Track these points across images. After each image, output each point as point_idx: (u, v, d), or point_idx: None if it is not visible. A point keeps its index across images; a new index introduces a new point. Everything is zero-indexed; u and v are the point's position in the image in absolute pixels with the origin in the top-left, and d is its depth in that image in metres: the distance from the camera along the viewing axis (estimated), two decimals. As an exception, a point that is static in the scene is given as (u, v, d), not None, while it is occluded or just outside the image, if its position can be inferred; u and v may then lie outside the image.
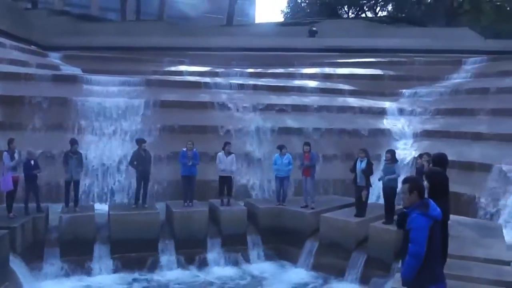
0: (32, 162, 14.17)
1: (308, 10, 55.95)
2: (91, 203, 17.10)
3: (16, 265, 12.43)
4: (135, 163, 15.48)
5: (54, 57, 28.52)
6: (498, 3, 48.44)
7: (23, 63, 23.91)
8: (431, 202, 6.07)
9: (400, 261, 6.04)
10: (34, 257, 13.47)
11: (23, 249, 13.07)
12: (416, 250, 5.81)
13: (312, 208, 15.77)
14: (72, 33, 33.62)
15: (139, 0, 45.52)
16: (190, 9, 54.24)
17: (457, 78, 27.15)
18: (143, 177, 15.50)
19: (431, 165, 9.87)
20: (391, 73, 28.55)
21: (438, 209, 6.06)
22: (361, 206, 14.67)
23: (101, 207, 16.50)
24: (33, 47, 29.06)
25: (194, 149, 15.82)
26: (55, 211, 14.95)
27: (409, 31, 37.74)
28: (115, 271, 14.08)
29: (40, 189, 14.80)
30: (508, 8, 48.70)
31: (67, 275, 13.60)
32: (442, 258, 6.85)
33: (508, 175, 17.08)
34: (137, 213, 14.98)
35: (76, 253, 13.84)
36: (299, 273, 14.56)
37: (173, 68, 28.05)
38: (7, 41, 26.02)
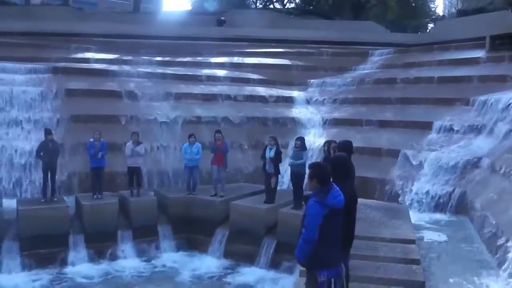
0: None
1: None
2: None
3: None
4: (41, 154, 14.95)
5: (-48, 43, 26.91)
6: (403, -1, 50.04)
7: None
8: (334, 189, 6.11)
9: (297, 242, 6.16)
10: None
11: None
12: (307, 236, 5.93)
13: (222, 196, 15.84)
14: (-27, 17, 31.90)
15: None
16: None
17: (364, 69, 27.85)
18: (49, 169, 14.98)
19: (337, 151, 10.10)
20: (299, 63, 28.96)
21: (340, 197, 6.11)
22: (270, 193, 14.88)
23: (9, 202, 15.69)
24: None
25: (102, 140, 15.47)
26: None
27: (316, 23, 38.35)
28: (24, 268, 13.62)
29: None
30: (413, 4, 50.41)
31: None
32: (347, 242, 7.00)
33: (413, 160, 17.82)
34: (45, 207, 14.52)
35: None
36: (210, 262, 14.65)
37: (80, 55, 27.12)
38: None
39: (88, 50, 28.40)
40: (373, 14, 47.59)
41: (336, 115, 22.43)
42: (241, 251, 14.39)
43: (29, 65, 21.85)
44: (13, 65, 21.70)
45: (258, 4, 57.86)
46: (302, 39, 32.79)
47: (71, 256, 14.24)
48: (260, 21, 36.40)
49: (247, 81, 25.67)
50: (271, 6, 57.17)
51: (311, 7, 51.55)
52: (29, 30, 30.07)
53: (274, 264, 13.65)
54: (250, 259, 14.10)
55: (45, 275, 13.51)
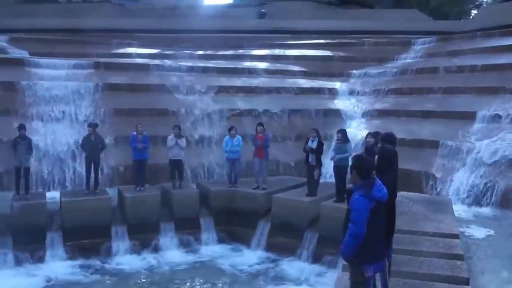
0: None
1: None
2: (42, 190, 16.75)
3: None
4: (85, 147, 15.26)
5: (0, 40, 27.57)
6: (446, -15, 48.96)
7: (-33, 47, 23.02)
8: (377, 182, 6.05)
9: (342, 237, 6.08)
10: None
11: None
12: (355, 231, 5.83)
13: (264, 189, 15.82)
14: (19, 15, 32.56)
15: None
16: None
17: (407, 59, 27.47)
18: (92, 162, 15.24)
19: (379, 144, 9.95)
20: (341, 54, 28.71)
21: (384, 190, 6.05)
22: (312, 186, 14.79)
23: (53, 194, 16.13)
24: (-23, 30, 28.03)
25: (144, 133, 15.64)
26: (6, 199, 14.54)
27: (358, 13, 38.03)
28: (68, 258, 13.86)
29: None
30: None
31: (20, 263, 13.32)
32: (388, 235, 6.92)
33: (456, 151, 17.49)
34: (88, 199, 14.76)
35: (29, 242, 13.51)
36: (252, 255, 14.65)
37: (121, 51, 27.56)
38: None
39: (130, 45, 28.80)
40: (415, 2, 46.74)
41: (378, 106, 22.19)
42: (283, 244, 14.34)
43: (72, 61, 22.17)
44: (56, 60, 22.04)
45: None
46: (343, 30, 32.50)
47: (114, 246, 14.44)
48: (301, 12, 36.26)
49: (289, 73, 25.58)
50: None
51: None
52: (71, 26, 30.69)
53: (316, 258, 13.53)
54: (292, 252, 14.05)
55: (88, 265, 13.72)
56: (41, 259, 13.63)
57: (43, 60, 21.78)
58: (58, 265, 13.59)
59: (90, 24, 31.22)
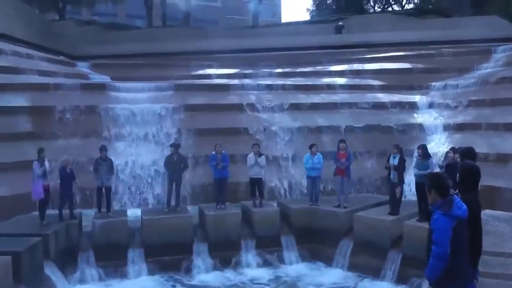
0: (68, 170, 14.39)
1: (334, 7, 55.49)
2: (124, 208, 17.33)
3: (51, 271, 12.65)
4: (168, 167, 15.74)
5: (82, 66, 28.63)
6: (527, -12, 47.28)
7: (52, 74, 23.92)
8: (456, 199, 5.90)
9: (426, 260, 5.91)
10: (68, 263, 13.75)
11: (57, 256, 13.29)
12: (439, 252, 5.69)
13: (345, 207, 15.63)
14: (100, 42, 33.84)
15: (164, 6, 45.75)
16: (215, 12, 53.91)
17: (487, 68, 26.40)
18: (174, 181, 15.69)
19: (458, 159, 9.64)
20: (420, 66, 28.05)
21: (464, 207, 5.90)
22: (395, 204, 14.49)
23: (134, 212, 16.65)
24: (61, 57, 29.12)
25: (223, 151, 15.84)
26: (88, 217, 15.22)
27: (436, 23, 37.17)
28: (149, 274, 14.26)
29: (74, 196, 15.04)
30: (538, -8, 47.52)
31: (101, 279, 13.84)
32: (475, 255, 6.68)
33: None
34: (169, 217, 15.22)
35: (110, 258, 14.06)
36: (334, 274, 14.47)
37: (201, 72, 28.06)
38: (35, 53, 26.05)
39: (209, 66, 29.28)
40: (495, 8, 45.22)
41: (459, 119, 21.41)
42: (366, 264, 14.10)
43: (152, 84, 22.88)
44: (136, 84, 22.83)
45: (376, 8, 57.09)
46: (422, 40, 31.89)
47: (196, 263, 14.71)
48: (379, 25, 35.84)
49: (368, 88, 25.21)
50: (390, 8, 56.15)
51: (430, 6, 50.11)
52: (151, 51, 31.65)
53: (400, 279, 13.18)
54: (375, 272, 13.77)
55: (172, 281, 14.05)
56: (123, 274, 14.12)
57: (123, 84, 22.64)
58: (143, 280, 14.02)
59: (169, 47, 32.09)
